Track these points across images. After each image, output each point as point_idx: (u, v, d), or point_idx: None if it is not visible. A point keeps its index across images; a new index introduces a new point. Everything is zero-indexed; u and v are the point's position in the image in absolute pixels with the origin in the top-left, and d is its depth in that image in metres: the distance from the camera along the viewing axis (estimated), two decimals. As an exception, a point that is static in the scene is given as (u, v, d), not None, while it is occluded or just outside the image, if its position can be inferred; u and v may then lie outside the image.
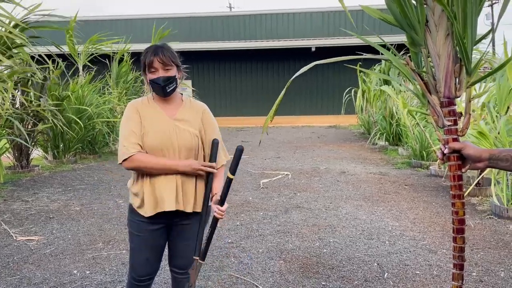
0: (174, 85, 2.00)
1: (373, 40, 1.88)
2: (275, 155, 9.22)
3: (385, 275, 3.15)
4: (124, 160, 1.95)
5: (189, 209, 2.04)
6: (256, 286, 3.01)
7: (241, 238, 4.00)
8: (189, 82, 16.07)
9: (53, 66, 7.82)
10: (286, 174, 7.00)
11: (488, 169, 4.37)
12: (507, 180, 4.59)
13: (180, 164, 1.98)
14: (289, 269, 3.28)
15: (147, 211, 2.01)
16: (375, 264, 3.36)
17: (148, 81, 2.01)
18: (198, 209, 2.08)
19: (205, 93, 16.59)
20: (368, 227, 4.27)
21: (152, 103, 2.07)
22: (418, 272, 3.19)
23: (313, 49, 16.25)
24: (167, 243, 2.18)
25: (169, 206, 1.99)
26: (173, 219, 2.07)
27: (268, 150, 10.12)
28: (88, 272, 3.31)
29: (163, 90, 1.97)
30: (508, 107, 4.82)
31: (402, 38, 1.80)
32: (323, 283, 3.03)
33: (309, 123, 17.44)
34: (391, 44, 1.75)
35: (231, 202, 5.22)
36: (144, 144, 1.99)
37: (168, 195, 1.99)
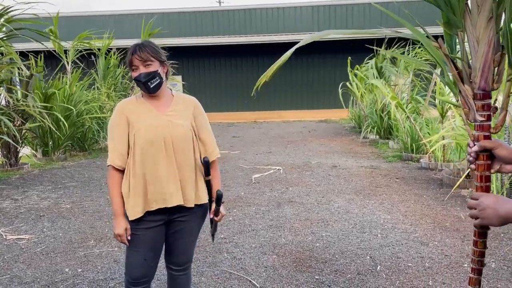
0: (158, 80, 1.97)
1: (371, 36, 1.83)
2: (267, 150, 9.21)
3: (378, 268, 3.17)
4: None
5: (190, 204, 2.05)
6: (250, 281, 3.01)
7: (234, 234, 3.99)
8: (179, 78, 15.97)
9: (35, 64, 7.72)
10: (278, 169, 7.00)
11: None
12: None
13: (115, 215, 2.02)
14: (282, 264, 3.29)
15: (135, 213, 1.99)
16: (368, 257, 3.38)
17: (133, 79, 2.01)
18: (200, 201, 2.11)
19: (195, 89, 16.51)
20: (360, 220, 4.29)
21: (141, 101, 2.05)
22: (410, 264, 3.22)
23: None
24: (164, 241, 2.16)
25: (160, 204, 1.99)
26: (174, 214, 2.06)
27: (260, 145, 10.12)
28: (80, 270, 3.28)
29: (146, 86, 1.95)
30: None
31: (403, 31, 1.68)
32: (316, 277, 3.04)
33: (300, 117, 17.46)
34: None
35: (223, 197, 5.20)
36: (136, 141, 1.97)
37: (157, 194, 1.99)
